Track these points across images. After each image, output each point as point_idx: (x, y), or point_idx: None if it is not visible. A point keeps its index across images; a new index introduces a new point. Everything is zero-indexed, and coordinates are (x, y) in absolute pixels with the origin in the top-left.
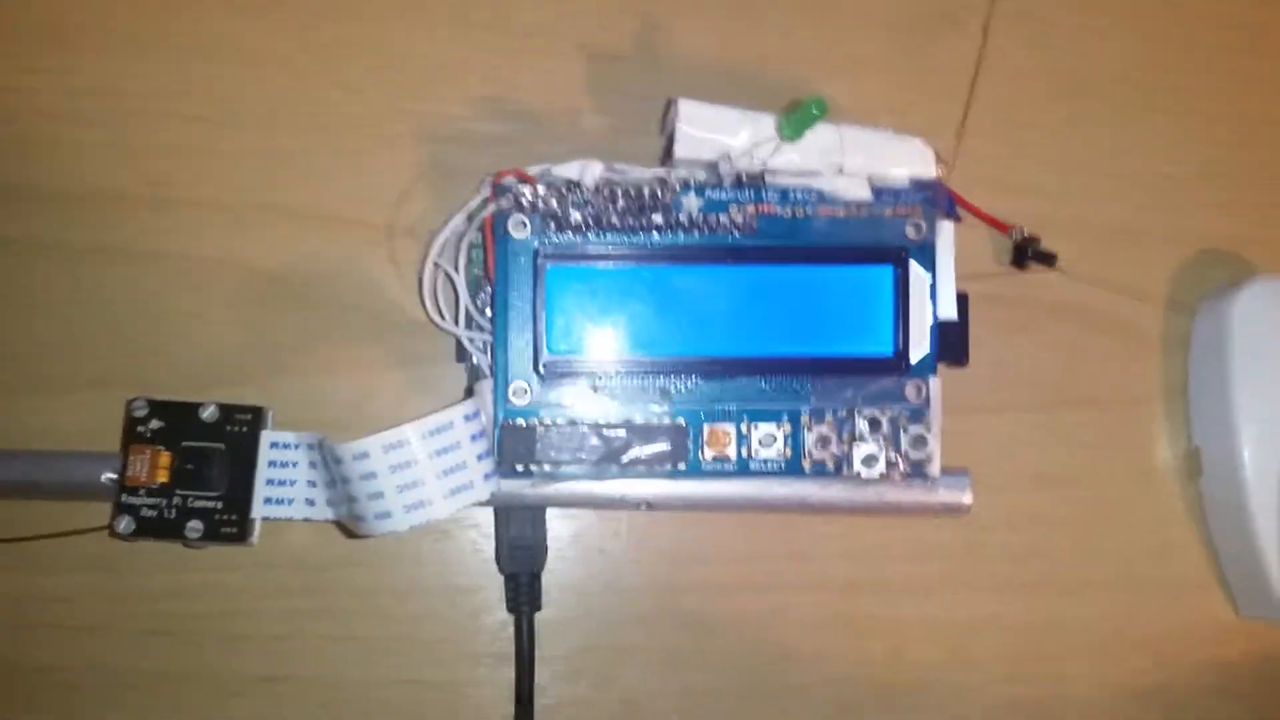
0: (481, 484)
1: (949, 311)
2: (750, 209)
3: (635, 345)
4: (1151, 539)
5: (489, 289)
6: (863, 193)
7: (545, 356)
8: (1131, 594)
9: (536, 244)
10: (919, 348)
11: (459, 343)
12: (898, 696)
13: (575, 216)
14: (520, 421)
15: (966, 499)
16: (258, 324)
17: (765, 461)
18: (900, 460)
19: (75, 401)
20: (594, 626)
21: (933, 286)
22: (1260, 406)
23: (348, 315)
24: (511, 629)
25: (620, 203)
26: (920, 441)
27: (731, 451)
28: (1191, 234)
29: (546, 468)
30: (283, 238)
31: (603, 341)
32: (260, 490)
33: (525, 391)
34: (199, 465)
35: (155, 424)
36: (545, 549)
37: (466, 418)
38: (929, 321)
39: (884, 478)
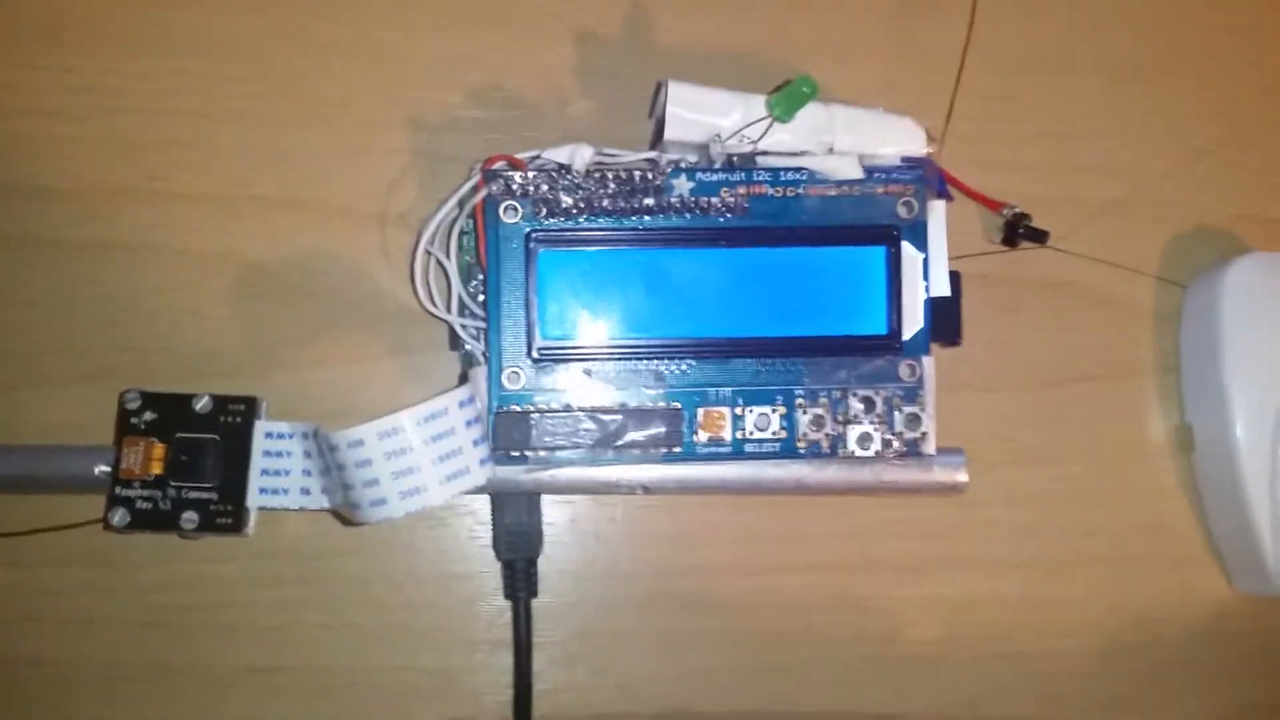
0: (477, 470)
1: (942, 289)
2: (741, 190)
3: (628, 329)
4: (1145, 515)
5: (481, 275)
6: (854, 172)
7: (539, 342)
8: (1126, 569)
9: (528, 229)
10: (912, 326)
11: (452, 330)
12: (894, 674)
13: (566, 201)
14: (515, 407)
15: (962, 477)
16: (251, 316)
17: (760, 443)
18: (895, 440)
19: (70, 396)
20: (590, 611)
21: (925, 264)
22: (1251, 382)
23: (340, 305)
24: (507, 615)
25: (611, 186)
26: (915, 420)
27: (726, 434)
28: (1183, 210)
29: (542, 453)
30: (275, 229)
31: (596, 326)
32: (255, 480)
33: (519, 377)
34: (193, 456)
35: (149, 416)
36: (541, 535)
37: (461, 404)
38: (922, 300)
39: (879, 457)
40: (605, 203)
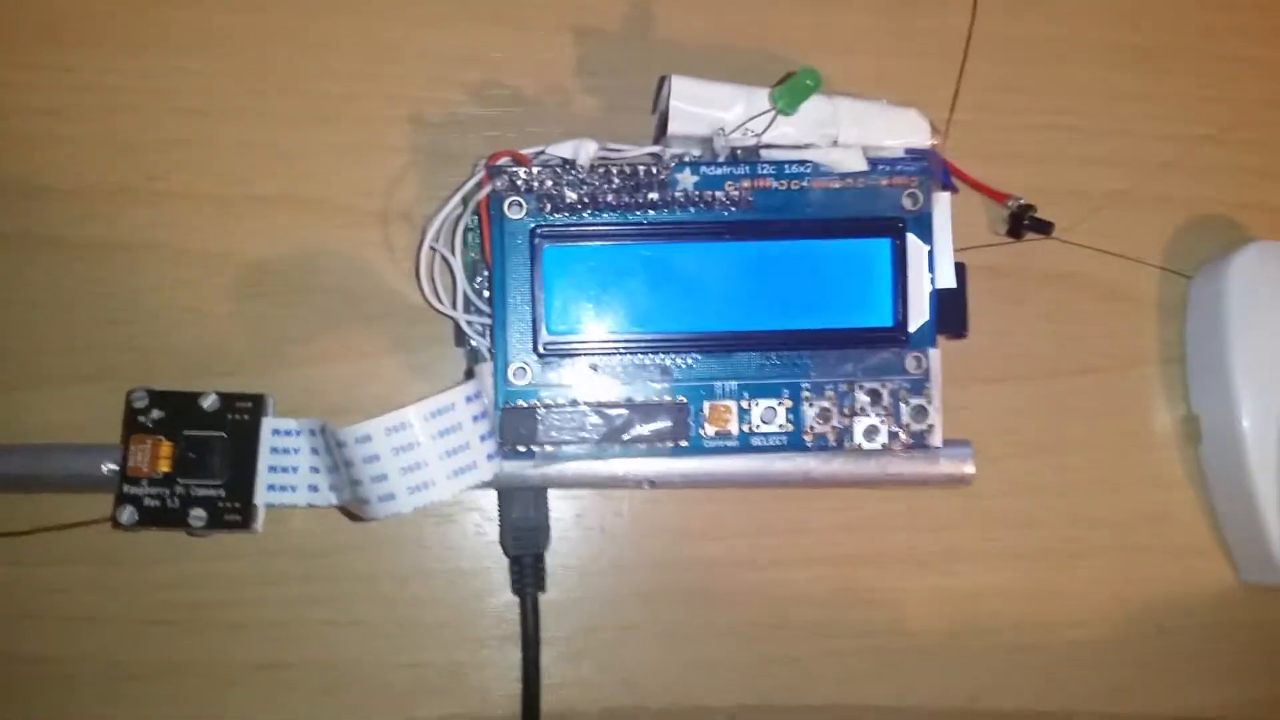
0: (484, 464)
1: (947, 280)
2: (745, 184)
3: (634, 323)
4: (1151, 505)
5: (486, 272)
6: (858, 164)
7: (544, 337)
8: (1131, 560)
9: (532, 224)
10: (918, 318)
11: (457, 326)
12: (900, 667)
13: (570, 196)
14: (521, 403)
15: (969, 469)
16: (254, 314)
17: (766, 436)
18: (901, 432)
19: (75, 395)
20: (598, 606)
21: (930, 256)
22: (1257, 371)
23: (345, 302)
24: (515, 611)
25: (615, 181)
26: (921, 413)
27: (733, 427)
28: (1187, 200)
29: (548, 448)
30: (276, 228)
31: (601, 320)
32: (263, 477)
33: (525, 372)
34: (201, 454)
35: (156, 414)
36: (549, 530)
37: (468, 399)
38: (927, 291)
39: (885, 450)
40: (610, 198)
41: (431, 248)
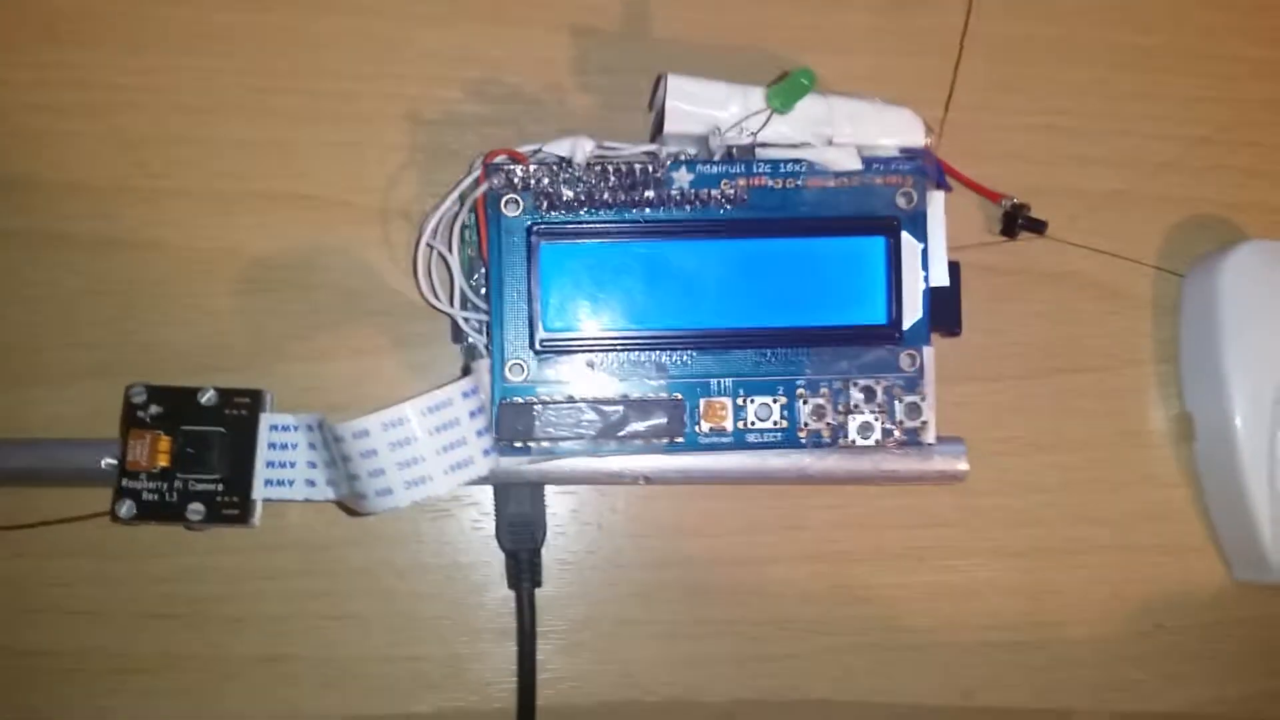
0: (481, 460)
1: (941, 279)
2: (741, 182)
3: (630, 320)
4: (1145, 504)
5: (483, 269)
6: (853, 163)
7: (541, 334)
8: (1126, 558)
9: (529, 222)
10: (912, 316)
11: (455, 323)
12: (894, 663)
13: (567, 194)
14: (518, 399)
15: (962, 466)
16: (253, 310)
17: (762, 433)
18: (895, 429)
19: (76, 391)
20: (593, 601)
21: (924, 255)
22: (1250, 370)
23: (343, 299)
24: (511, 605)
25: (612, 179)
26: (915, 410)
27: (728, 424)
28: (1181, 199)
29: (545, 444)
30: (277, 224)
31: (598, 318)
32: (261, 472)
33: (522, 369)
34: (199, 449)
35: (154, 409)
36: (545, 525)
37: (465, 395)
38: (921, 290)
39: (880, 446)
40: (606, 195)
41: (429, 245)
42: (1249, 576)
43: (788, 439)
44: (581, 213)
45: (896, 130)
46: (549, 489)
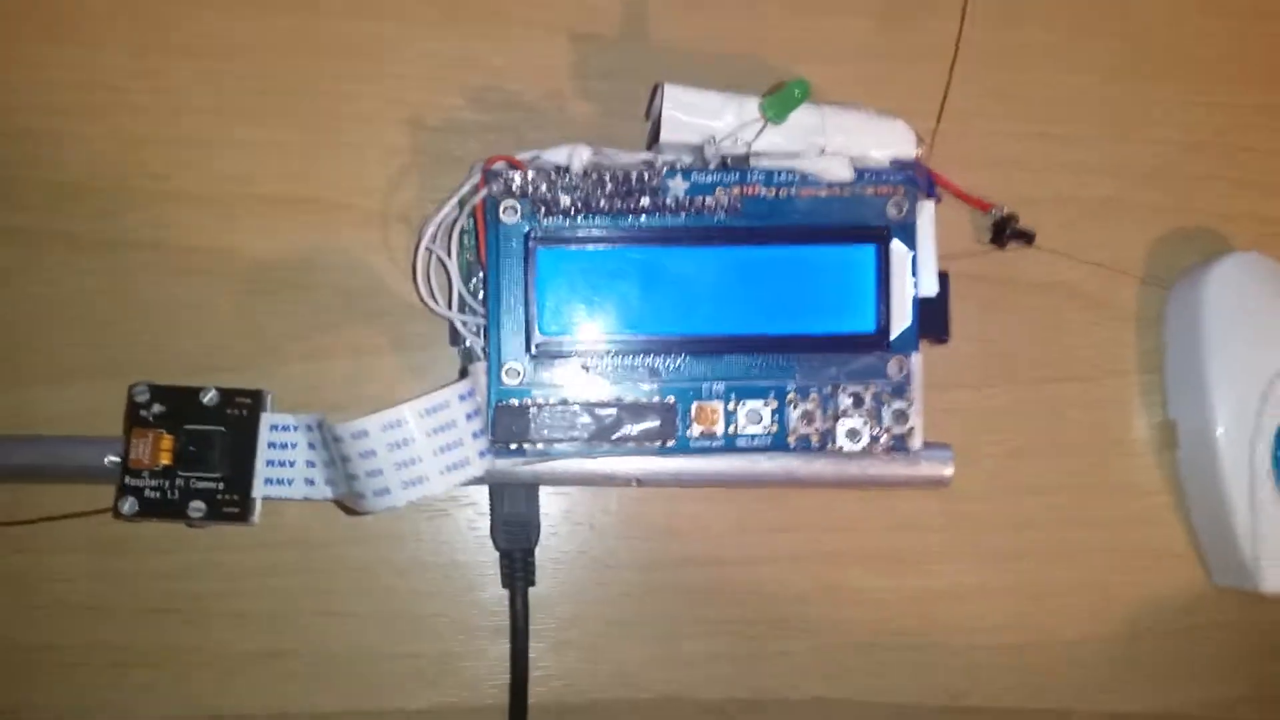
0: (477, 461)
1: (930, 289)
2: (735, 191)
3: (625, 325)
4: (1128, 510)
5: (481, 273)
6: (845, 173)
7: (537, 338)
8: (1109, 562)
9: (527, 228)
10: (900, 324)
11: (452, 326)
12: (882, 663)
13: (564, 200)
14: (514, 401)
15: (948, 472)
16: (254, 311)
17: (752, 437)
18: (883, 434)
19: (79, 389)
20: (585, 600)
21: (914, 264)
22: (1232, 381)
23: (343, 301)
24: (505, 603)
25: (608, 186)
26: (902, 416)
27: (719, 428)
28: (1167, 211)
29: (540, 445)
30: (279, 227)
31: (593, 322)
32: (261, 471)
33: (518, 372)
34: (201, 448)
35: (157, 408)
36: (538, 525)
37: (461, 397)
38: (910, 298)
39: (867, 452)
40: (603, 202)
41: (428, 249)
42: (1228, 582)
43: (777, 443)
44: (578, 219)
45: (888, 141)
46: (543, 490)
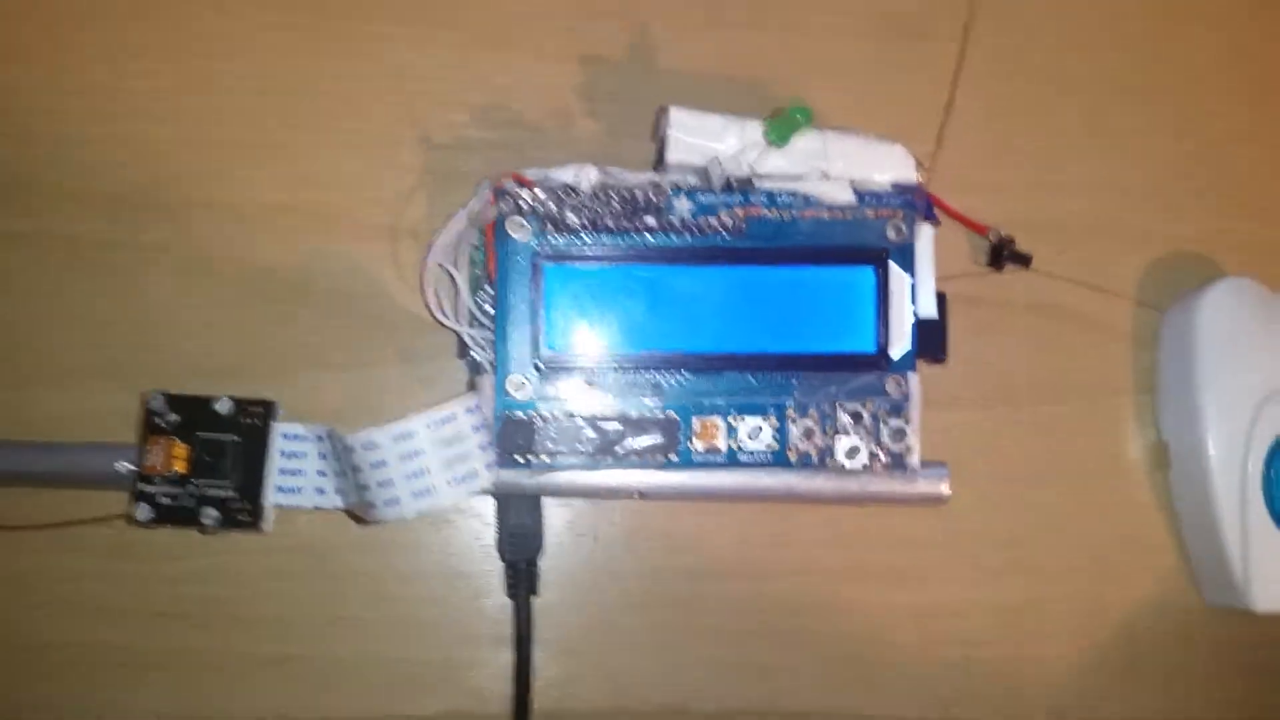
0: (484, 473)
1: (928, 310)
2: (739, 212)
3: (629, 342)
4: (1122, 529)
5: (489, 287)
6: (846, 196)
7: (544, 352)
8: (1102, 582)
9: (535, 245)
10: (899, 345)
11: (460, 339)
12: (876, 676)
13: (572, 219)
14: (520, 414)
15: (945, 489)
16: (263, 321)
17: (753, 453)
18: (881, 452)
19: (87, 393)
20: (589, 610)
21: (913, 287)
22: (1225, 403)
23: (353, 313)
24: (508, 613)
25: (615, 205)
26: (900, 434)
27: (720, 443)
28: (1162, 236)
29: (545, 458)
30: (291, 238)
31: (598, 338)
32: (272, 479)
33: (524, 386)
34: (214, 456)
35: (172, 417)
36: (542, 536)
37: (469, 410)
38: (909, 320)
39: (866, 469)
40: (609, 221)
41: (438, 264)
42: (1221, 601)
43: (777, 459)
44: (585, 237)
45: (889, 166)
46: (547, 501)
